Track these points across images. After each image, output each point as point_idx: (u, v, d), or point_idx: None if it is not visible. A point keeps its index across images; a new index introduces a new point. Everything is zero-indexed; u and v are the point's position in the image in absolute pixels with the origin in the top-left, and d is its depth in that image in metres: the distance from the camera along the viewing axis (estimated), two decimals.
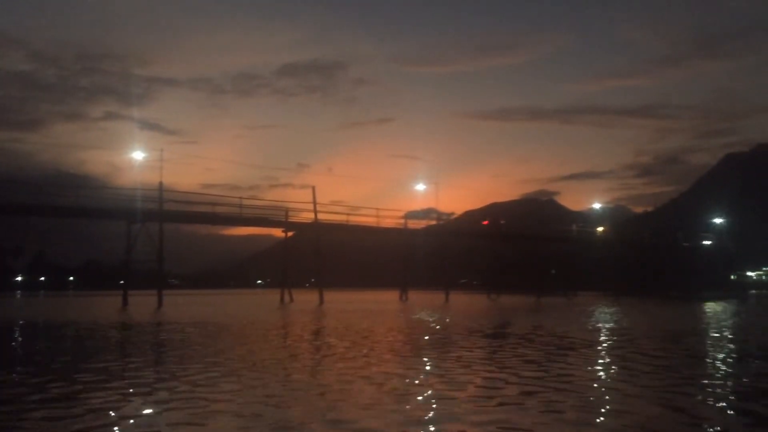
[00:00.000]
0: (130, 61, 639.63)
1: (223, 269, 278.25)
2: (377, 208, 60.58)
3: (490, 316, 29.74)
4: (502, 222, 79.55)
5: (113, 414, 7.49)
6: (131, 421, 7.14)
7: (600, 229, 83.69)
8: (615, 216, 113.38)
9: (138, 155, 48.87)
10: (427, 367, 11.52)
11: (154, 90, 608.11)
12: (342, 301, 55.25)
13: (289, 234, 56.82)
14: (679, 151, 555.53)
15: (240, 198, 51.28)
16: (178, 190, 58.88)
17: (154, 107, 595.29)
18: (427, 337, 17.81)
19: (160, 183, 47.78)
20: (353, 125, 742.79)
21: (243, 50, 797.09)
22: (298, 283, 68.06)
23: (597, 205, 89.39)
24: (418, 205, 76.65)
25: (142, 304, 48.07)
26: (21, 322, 28.27)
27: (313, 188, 54.13)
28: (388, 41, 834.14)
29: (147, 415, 7.47)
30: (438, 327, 22.01)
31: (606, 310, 34.93)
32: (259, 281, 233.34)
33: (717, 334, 18.76)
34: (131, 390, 9.14)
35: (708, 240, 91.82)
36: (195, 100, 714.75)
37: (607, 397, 8.39)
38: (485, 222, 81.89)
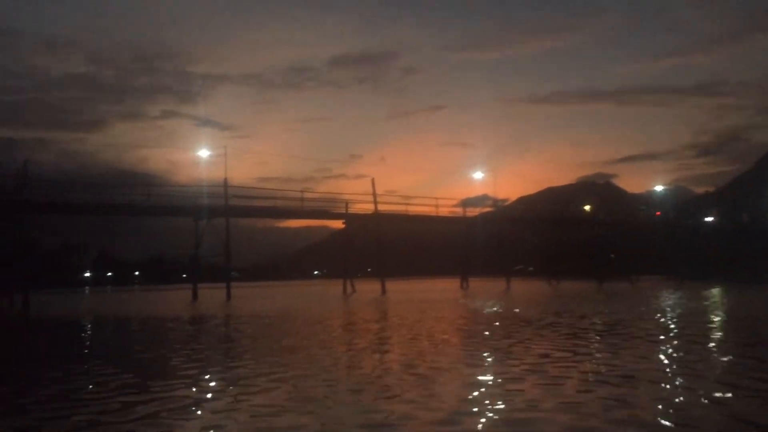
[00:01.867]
0: (184, 59, 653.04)
1: (279, 261, 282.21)
2: (436, 197, 61.01)
3: (559, 304, 29.72)
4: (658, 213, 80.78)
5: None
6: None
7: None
8: (676, 197, 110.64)
9: (203, 153, 50.56)
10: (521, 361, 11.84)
11: (207, 87, 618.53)
12: (404, 291, 55.83)
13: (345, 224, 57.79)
14: (740, 129, 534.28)
15: (301, 191, 52.20)
16: (235, 184, 60.31)
17: (209, 103, 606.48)
18: (505, 329, 18.09)
19: (225, 179, 49.31)
20: (404, 114, 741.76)
21: (292, 44, 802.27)
22: (355, 273, 68.93)
23: (658, 188, 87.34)
24: (472, 192, 76.86)
25: (210, 297, 49.75)
26: (122, 318, 29.62)
27: (372, 179, 55.09)
28: (437, 29, 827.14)
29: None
30: (512, 317, 22.26)
31: (673, 296, 34.51)
32: (316, 272, 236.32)
33: None
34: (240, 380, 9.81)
35: None
36: (247, 95, 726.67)
37: (695, 391, 8.53)
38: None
